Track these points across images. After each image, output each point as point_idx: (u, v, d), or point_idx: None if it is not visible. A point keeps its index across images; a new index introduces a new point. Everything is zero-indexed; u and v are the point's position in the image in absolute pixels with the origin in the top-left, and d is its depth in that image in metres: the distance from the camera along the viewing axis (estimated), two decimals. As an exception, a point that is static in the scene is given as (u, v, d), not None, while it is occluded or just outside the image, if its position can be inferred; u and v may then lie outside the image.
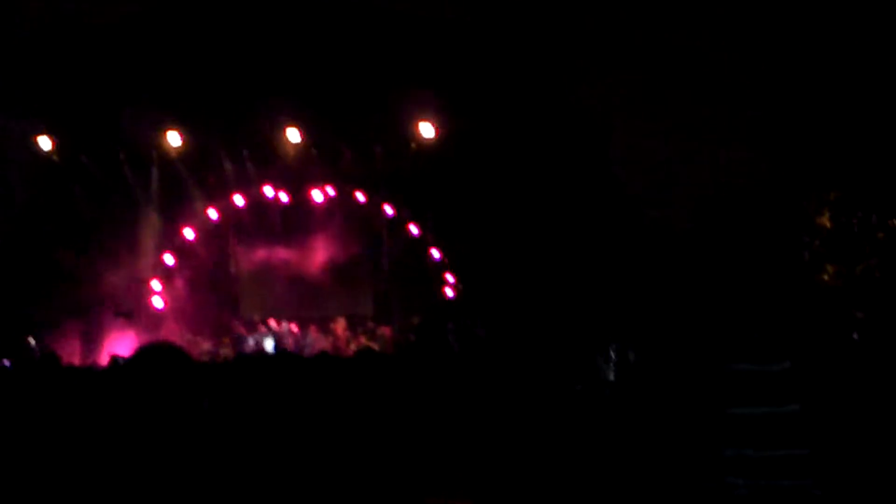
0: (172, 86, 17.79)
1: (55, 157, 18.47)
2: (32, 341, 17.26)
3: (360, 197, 19.86)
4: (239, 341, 18.34)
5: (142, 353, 4.23)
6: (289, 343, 18.20)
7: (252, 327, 18.80)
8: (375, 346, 17.31)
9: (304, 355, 14.15)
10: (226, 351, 17.98)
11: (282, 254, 19.66)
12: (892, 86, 16.07)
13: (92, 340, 18.16)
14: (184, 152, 18.87)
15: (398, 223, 20.02)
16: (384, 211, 19.92)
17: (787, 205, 16.63)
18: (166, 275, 19.42)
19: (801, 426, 4.82)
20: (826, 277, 16.19)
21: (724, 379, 4.85)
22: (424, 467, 4.71)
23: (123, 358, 12.40)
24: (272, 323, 18.74)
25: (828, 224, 16.57)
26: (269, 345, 18.03)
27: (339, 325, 18.72)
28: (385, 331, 18.52)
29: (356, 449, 4.66)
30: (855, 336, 10.60)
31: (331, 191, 19.84)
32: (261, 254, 19.77)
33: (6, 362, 14.40)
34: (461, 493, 4.06)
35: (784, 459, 4.77)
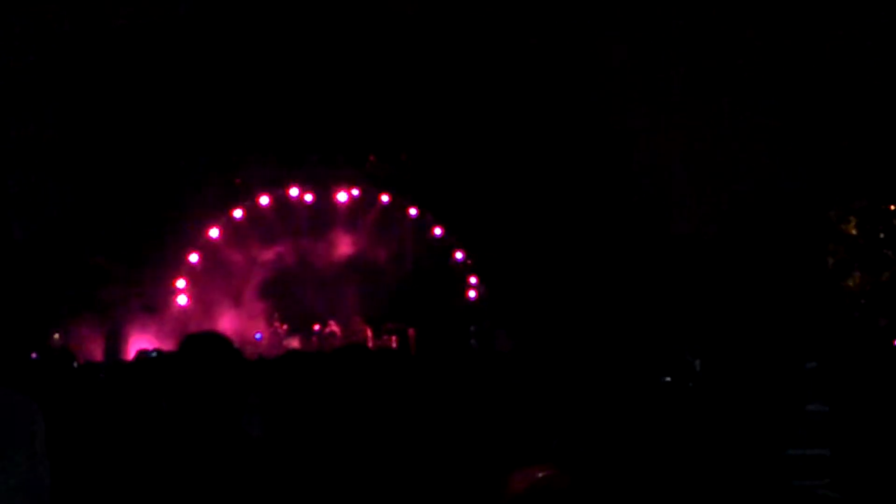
0: (201, 90, 17.87)
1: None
2: (56, 336, 17.37)
3: (384, 198, 19.91)
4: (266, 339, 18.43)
5: (189, 342, 4.13)
6: (312, 342, 18.23)
7: (274, 326, 18.81)
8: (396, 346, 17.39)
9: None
10: (250, 349, 18.02)
11: (305, 254, 19.70)
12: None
13: (114, 337, 18.21)
14: (211, 153, 18.93)
15: (423, 225, 20.07)
16: (409, 212, 19.98)
17: (812, 214, 16.60)
18: (191, 273, 19.49)
19: (824, 426, 4.80)
20: (851, 284, 16.16)
21: (798, 378, 4.85)
22: (508, 442, 4.71)
23: (148, 352, 12.47)
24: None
25: (853, 232, 16.54)
26: (294, 343, 18.07)
27: (361, 325, 18.73)
28: (409, 332, 18.55)
29: (432, 432, 4.64)
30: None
31: (356, 192, 19.91)
32: (284, 253, 19.79)
33: (33, 355, 14.47)
34: (545, 461, 4.05)
35: (802, 459, 4.76)
